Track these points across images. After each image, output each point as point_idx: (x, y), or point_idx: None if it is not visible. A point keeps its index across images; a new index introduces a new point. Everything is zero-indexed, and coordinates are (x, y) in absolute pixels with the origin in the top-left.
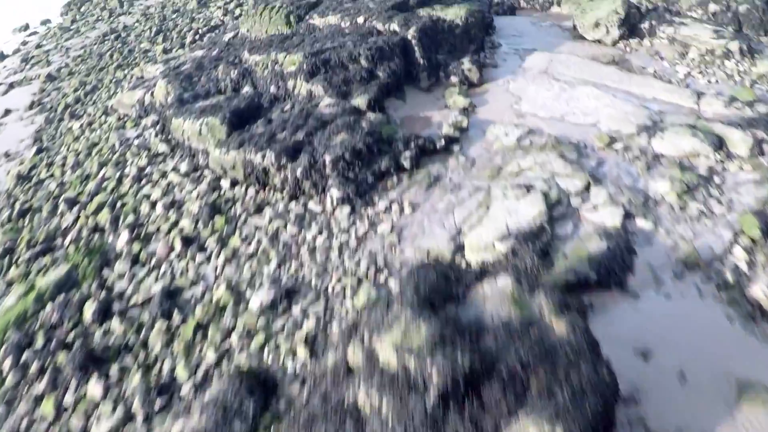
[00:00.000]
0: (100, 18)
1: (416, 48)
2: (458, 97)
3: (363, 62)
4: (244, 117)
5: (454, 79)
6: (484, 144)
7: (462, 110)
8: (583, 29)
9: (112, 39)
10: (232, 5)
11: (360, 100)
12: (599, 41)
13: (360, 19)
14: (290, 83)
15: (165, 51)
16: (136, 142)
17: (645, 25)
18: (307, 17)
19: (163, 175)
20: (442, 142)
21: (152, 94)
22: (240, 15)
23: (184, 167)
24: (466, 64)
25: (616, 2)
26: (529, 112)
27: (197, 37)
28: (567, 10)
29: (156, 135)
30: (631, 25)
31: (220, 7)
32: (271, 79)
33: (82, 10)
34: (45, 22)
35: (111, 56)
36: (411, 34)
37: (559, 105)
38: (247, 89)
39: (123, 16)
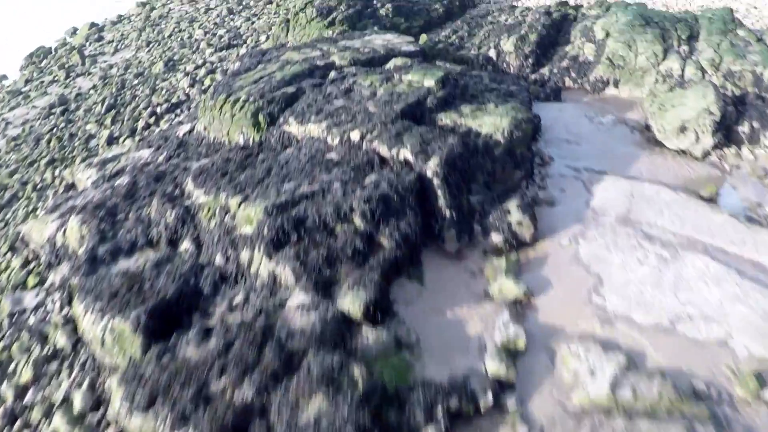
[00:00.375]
0: (56, 78)
1: (439, 191)
2: (506, 280)
3: (357, 221)
4: (173, 313)
5: (496, 237)
6: (555, 391)
7: (513, 306)
8: (663, 134)
9: (57, 113)
10: (201, 72)
11: (351, 302)
12: (684, 151)
13: (354, 135)
14: (245, 255)
15: (109, 140)
16: (32, 319)
17: (744, 128)
18: (281, 119)
19: (48, 414)
20: (489, 396)
21: (65, 233)
22: (209, 86)
23: (78, 401)
24: (514, 212)
25: (707, 97)
26: (618, 312)
27: (153, 119)
28: (627, 94)
29: (60, 308)
30: (726, 128)
31: (188, 74)
32: (219, 239)
33: (42, 65)
34: (0, 79)
35: (48, 142)
36: (431, 168)
37: (664, 298)
38: (186, 245)
39: (81, 77)
